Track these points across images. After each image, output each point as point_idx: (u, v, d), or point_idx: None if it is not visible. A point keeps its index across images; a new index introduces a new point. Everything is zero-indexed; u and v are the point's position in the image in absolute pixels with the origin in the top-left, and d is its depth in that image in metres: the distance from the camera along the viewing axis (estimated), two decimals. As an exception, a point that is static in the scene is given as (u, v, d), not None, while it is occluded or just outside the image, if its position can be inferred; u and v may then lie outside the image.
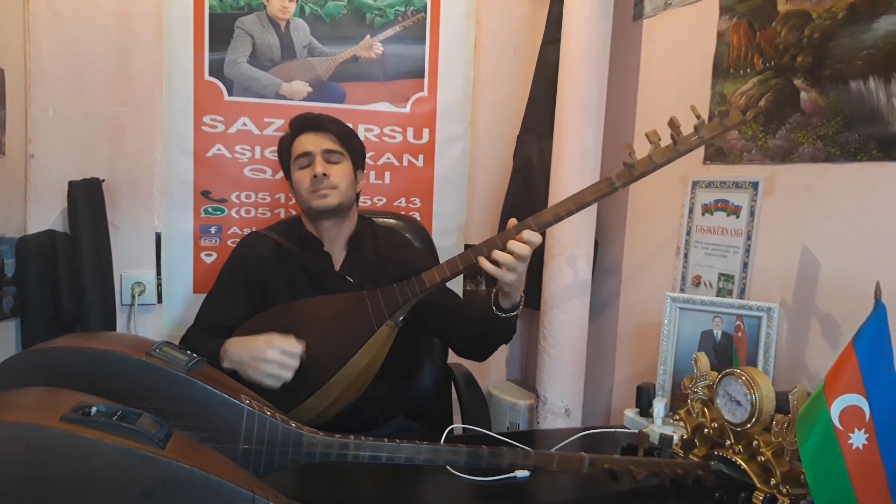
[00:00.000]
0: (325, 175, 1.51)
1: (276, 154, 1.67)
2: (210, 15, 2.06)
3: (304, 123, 1.59)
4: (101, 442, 0.71)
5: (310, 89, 2.16)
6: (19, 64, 1.88)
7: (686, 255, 1.69)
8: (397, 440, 1.03)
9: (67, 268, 1.88)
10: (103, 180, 1.96)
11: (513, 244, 1.28)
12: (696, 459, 1.23)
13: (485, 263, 1.30)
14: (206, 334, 1.50)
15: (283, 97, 2.14)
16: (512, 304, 1.38)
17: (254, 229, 1.73)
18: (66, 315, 1.87)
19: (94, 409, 0.75)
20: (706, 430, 1.25)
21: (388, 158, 2.24)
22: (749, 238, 1.52)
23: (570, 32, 1.86)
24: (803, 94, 1.44)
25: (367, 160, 1.74)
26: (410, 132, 2.26)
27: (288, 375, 1.31)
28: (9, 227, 1.82)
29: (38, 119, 1.94)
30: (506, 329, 1.45)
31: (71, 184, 1.91)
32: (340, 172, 1.55)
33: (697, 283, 1.65)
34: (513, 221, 1.33)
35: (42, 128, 1.95)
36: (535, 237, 1.28)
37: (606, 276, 2.10)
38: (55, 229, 1.94)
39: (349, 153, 1.59)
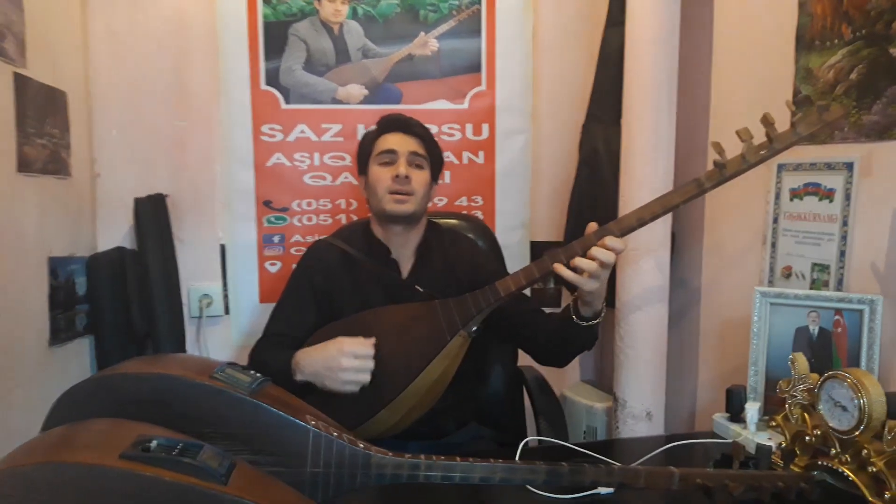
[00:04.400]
0: (407, 177, 1.48)
1: (358, 149, 1.62)
2: (264, 24, 2.05)
3: (393, 123, 1.56)
4: (161, 479, 0.68)
5: (366, 92, 2.13)
6: (81, 86, 1.91)
7: (774, 245, 1.56)
8: (471, 459, 0.97)
9: (136, 283, 1.91)
10: (167, 195, 1.98)
11: (597, 251, 1.21)
12: (797, 470, 1.13)
13: (563, 271, 1.23)
14: (275, 346, 1.49)
15: (340, 101, 2.11)
16: (593, 312, 1.32)
17: (317, 237, 1.70)
18: (138, 330, 1.90)
19: (154, 444, 0.72)
20: (808, 438, 1.14)
21: (448, 157, 2.17)
22: (845, 224, 1.39)
23: (636, 13, 1.75)
24: (902, 63, 1.30)
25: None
26: (469, 128, 2.20)
27: (366, 378, 1.30)
28: (79, 247, 1.86)
29: (101, 139, 1.98)
30: (588, 337, 1.39)
31: (136, 200, 1.94)
32: (420, 179, 1.51)
33: (788, 274, 1.52)
34: (592, 226, 1.26)
35: (106, 147, 1.99)
36: (619, 244, 1.22)
37: (686, 271, 1.98)
38: (124, 246, 1.97)
39: (430, 162, 1.56)
